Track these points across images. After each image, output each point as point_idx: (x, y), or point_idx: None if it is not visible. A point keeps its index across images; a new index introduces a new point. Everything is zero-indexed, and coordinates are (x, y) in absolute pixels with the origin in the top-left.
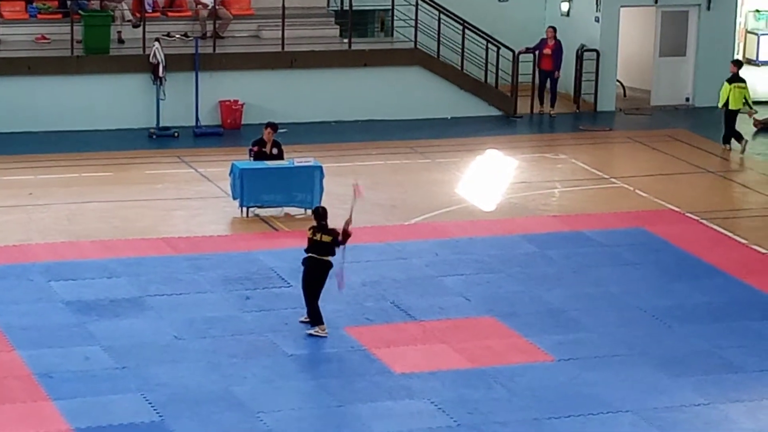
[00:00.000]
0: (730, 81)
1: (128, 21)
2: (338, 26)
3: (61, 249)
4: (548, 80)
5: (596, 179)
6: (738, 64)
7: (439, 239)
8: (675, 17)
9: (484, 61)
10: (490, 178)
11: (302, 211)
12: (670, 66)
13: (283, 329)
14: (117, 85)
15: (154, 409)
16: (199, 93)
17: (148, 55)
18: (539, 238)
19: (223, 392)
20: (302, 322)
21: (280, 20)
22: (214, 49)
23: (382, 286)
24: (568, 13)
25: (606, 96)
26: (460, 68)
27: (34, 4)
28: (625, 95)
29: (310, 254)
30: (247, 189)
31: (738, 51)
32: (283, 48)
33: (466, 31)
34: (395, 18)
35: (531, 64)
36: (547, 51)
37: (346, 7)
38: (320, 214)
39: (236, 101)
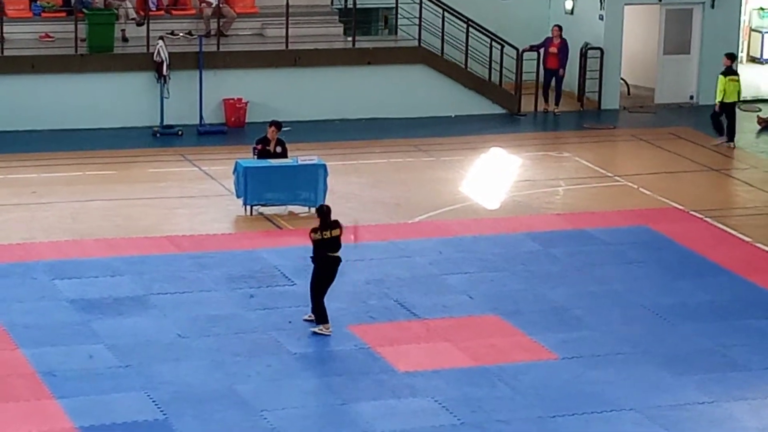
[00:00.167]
0: (725, 74)
1: (132, 19)
2: (342, 24)
3: (64, 247)
4: (553, 79)
5: (600, 177)
6: (731, 57)
7: (442, 237)
8: (679, 15)
9: (488, 60)
10: (494, 177)
11: (306, 209)
12: (674, 64)
13: (286, 327)
14: (121, 84)
15: (158, 408)
16: (202, 91)
17: (152, 53)
18: (543, 236)
19: (227, 390)
20: (306, 320)
21: (284, 18)
22: (218, 48)
23: (386, 285)
24: (572, 11)
25: (610, 94)
26: (464, 66)
27: (38, 3)
28: (629, 93)
29: (323, 253)
30: (251, 187)
31: (742, 49)
32: (287, 46)
33: (470, 29)
34: (399, 16)
35: (535, 62)
36: (552, 49)
37: (350, 6)
38: (324, 212)
39: (240, 99)
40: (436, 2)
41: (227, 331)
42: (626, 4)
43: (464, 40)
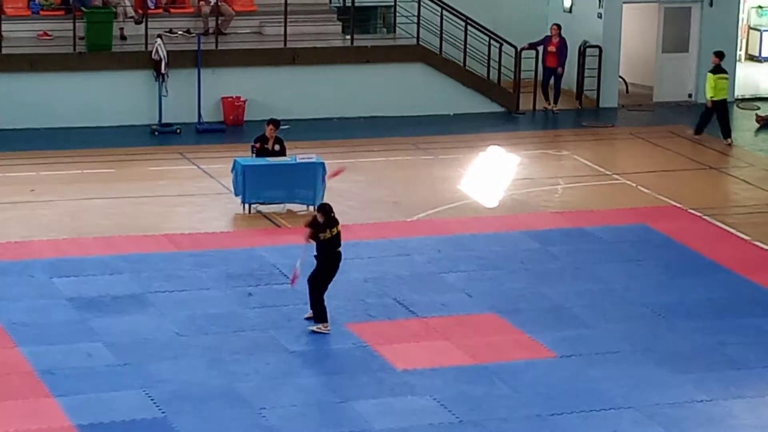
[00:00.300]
0: (714, 72)
1: (130, 17)
2: (341, 23)
3: (63, 246)
4: (552, 77)
5: (599, 175)
6: (720, 55)
7: (441, 236)
8: (677, 13)
9: (486, 58)
10: (492, 175)
11: (304, 207)
12: (672, 62)
13: (285, 326)
14: (119, 82)
15: (157, 406)
16: (201, 89)
17: (151, 51)
18: (542, 234)
19: (226, 389)
20: (307, 318)
21: (283, 17)
22: (217, 46)
23: (385, 283)
24: (570, 10)
25: (608, 92)
26: (462, 65)
27: (37, 1)
28: (627, 91)
29: (333, 250)
30: (250, 185)
31: (741, 47)
32: (285, 44)
33: (469, 27)
34: (398, 14)
35: (533, 60)
36: (551, 48)
37: (349, 4)
38: (328, 210)
39: (238, 98)
40: (435, 0)
41: (226, 330)
42: (625, 3)
43: (463, 39)
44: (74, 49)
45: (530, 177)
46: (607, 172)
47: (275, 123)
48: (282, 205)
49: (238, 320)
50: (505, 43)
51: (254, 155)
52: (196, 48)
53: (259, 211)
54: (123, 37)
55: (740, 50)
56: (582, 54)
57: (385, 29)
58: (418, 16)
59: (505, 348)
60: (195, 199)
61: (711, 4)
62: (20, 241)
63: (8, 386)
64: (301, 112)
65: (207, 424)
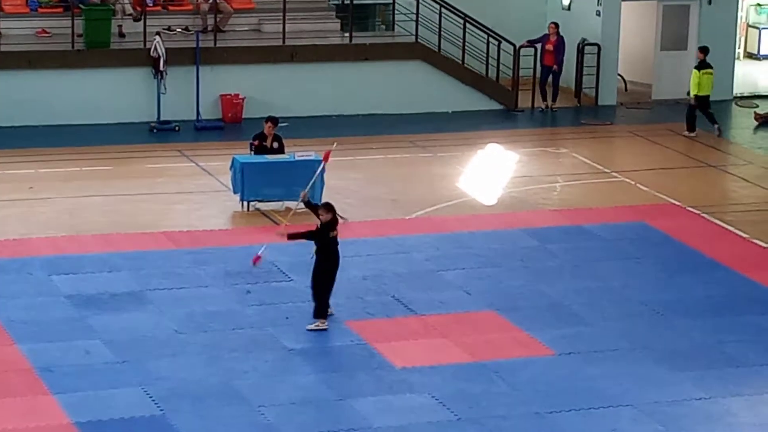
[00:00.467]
0: (699, 67)
1: (129, 15)
2: (339, 20)
3: (61, 243)
4: (550, 75)
5: (597, 173)
6: (704, 50)
7: (440, 233)
8: (676, 11)
9: (485, 55)
10: (491, 172)
11: (302, 205)
12: (671, 60)
13: (283, 323)
14: (118, 79)
15: (155, 403)
16: (199, 87)
17: (149, 49)
18: (540, 232)
19: (224, 386)
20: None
21: (281, 14)
22: (215, 43)
23: (383, 281)
24: (569, 7)
25: (607, 90)
26: (461, 62)
27: None
28: (626, 89)
29: (336, 248)
30: (248, 183)
31: (739, 45)
32: (284, 42)
33: (467, 25)
34: (396, 12)
35: (532, 58)
36: (549, 47)
37: (347, 1)
38: (332, 208)
39: (237, 95)
40: None
41: (224, 327)
42: (623, 0)
43: (461, 36)
44: (73, 47)
45: (529, 175)
46: (606, 170)
47: (274, 120)
48: (280, 203)
49: (236, 318)
50: (503, 41)
51: (253, 153)
52: (194, 45)
53: (257, 209)
54: (121, 35)
55: (739, 48)
56: (581, 52)
57: (383, 26)
58: (417, 13)
59: (503, 346)
60: (193, 197)
61: (710, 2)
62: (18, 238)
63: (7, 384)
64: (299, 109)
65: (205, 422)
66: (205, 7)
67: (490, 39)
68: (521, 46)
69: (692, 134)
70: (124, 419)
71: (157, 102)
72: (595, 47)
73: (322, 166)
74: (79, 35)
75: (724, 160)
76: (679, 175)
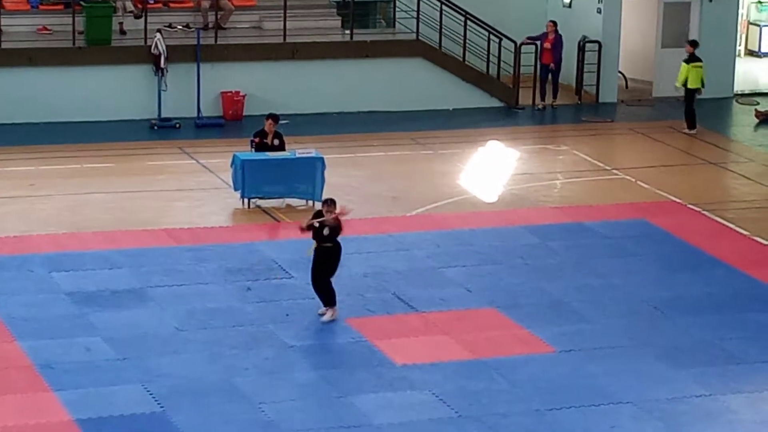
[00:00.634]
0: (688, 61)
1: (130, 12)
2: (340, 17)
3: (62, 240)
4: (549, 74)
5: (598, 170)
6: (693, 44)
7: (440, 230)
8: (677, 8)
9: (486, 53)
10: (491, 170)
11: (303, 202)
12: (672, 57)
13: (284, 320)
14: (118, 76)
15: (156, 400)
16: (200, 84)
17: (150, 46)
18: (541, 229)
19: (225, 383)
20: (322, 313)
21: (282, 11)
22: (216, 40)
23: (384, 278)
24: (570, 4)
25: (608, 87)
26: (462, 59)
27: None
28: (627, 86)
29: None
30: (249, 180)
31: (740, 42)
32: (284, 39)
33: (468, 22)
34: (397, 9)
35: (533, 55)
36: (547, 45)
37: None
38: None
39: (238, 92)
40: None
41: (225, 324)
42: None
43: (462, 33)
44: (74, 44)
45: (529, 172)
46: (607, 167)
47: (274, 118)
48: (281, 200)
49: (237, 315)
50: (504, 38)
51: (253, 150)
52: (195, 42)
53: (258, 206)
54: (122, 32)
55: (740, 45)
56: (581, 49)
57: (384, 24)
58: (418, 10)
59: (504, 343)
60: (194, 194)
61: (710, 0)
62: (19, 235)
63: (7, 380)
64: (300, 106)
65: (206, 419)
66: (206, 4)
67: (491, 36)
68: (522, 44)
69: (693, 131)
70: (124, 416)
71: (158, 99)
72: (596, 44)
73: (324, 169)
74: (80, 32)
75: (725, 157)
76: (680, 173)
